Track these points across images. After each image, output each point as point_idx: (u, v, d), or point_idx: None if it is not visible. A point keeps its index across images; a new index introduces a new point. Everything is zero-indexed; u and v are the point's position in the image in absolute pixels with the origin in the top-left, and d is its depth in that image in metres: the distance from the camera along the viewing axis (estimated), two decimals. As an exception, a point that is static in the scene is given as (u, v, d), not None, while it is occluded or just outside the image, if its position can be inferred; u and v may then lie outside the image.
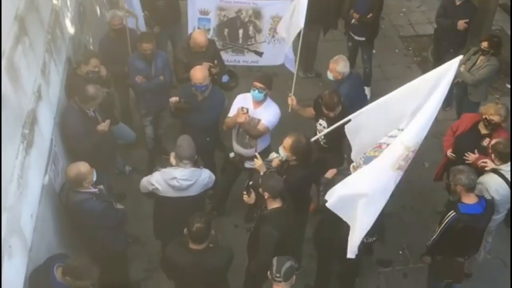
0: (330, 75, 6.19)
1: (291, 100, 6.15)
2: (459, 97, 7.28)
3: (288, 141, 5.01)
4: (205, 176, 5.04)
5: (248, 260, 5.18)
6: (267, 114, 5.67)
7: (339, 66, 6.07)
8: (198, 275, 4.41)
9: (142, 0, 7.25)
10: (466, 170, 4.78)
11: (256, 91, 5.59)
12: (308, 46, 7.76)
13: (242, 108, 5.57)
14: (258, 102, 5.68)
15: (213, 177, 5.19)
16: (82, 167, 4.68)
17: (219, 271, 4.52)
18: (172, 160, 5.00)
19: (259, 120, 5.67)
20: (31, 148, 4.35)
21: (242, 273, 5.31)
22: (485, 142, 5.53)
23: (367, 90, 7.74)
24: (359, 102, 5.69)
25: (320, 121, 5.80)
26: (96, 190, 4.79)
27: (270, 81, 5.69)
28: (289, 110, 6.20)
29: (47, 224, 4.59)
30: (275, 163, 5.27)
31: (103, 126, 5.45)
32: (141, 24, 7.25)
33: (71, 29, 6.21)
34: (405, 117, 4.40)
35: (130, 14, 6.86)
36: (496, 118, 5.46)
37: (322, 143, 5.79)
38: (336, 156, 5.69)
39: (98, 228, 4.85)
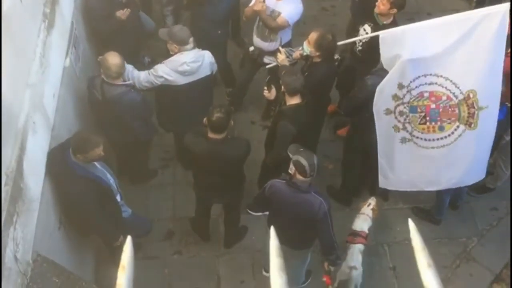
0: None
1: None
2: (492, 4, 6.93)
3: (313, 35, 4.87)
4: (208, 55, 5.04)
5: (265, 154, 5.27)
6: (289, 8, 5.46)
7: None
8: (216, 164, 4.51)
9: None
10: None
11: None
12: None
13: None
14: None
15: (215, 62, 5.16)
16: (119, 57, 4.58)
17: (236, 161, 4.60)
18: (173, 48, 4.92)
19: (279, 13, 5.48)
20: (52, 28, 4.31)
21: (257, 168, 5.45)
22: None
23: None
24: None
25: (366, 26, 5.36)
26: (131, 81, 4.77)
27: None
28: None
29: (68, 106, 4.65)
30: (295, 54, 5.18)
31: (122, 13, 5.30)
32: None
33: None
34: (449, 65, 4.27)
35: None
36: None
37: (357, 50, 5.52)
38: (368, 68, 5.20)
39: (135, 119, 4.88)
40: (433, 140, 4.59)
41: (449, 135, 4.53)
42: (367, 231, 5.03)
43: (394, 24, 5.13)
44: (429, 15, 7.02)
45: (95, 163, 4.22)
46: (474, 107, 4.38)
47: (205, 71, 5.01)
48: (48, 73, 4.14)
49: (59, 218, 4.24)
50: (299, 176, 4.08)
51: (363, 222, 5.07)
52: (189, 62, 4.85)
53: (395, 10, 5.12)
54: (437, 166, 4.70)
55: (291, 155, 4.16)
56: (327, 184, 5.81)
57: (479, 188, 5.68)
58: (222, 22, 5.79)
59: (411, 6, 7.63)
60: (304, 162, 4.03)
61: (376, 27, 5.17)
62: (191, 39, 4.90)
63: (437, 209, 5.58)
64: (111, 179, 4.40)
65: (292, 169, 4.10)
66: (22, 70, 3.73)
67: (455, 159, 4.63)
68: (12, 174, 3.34)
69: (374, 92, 4.53)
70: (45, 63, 4.08)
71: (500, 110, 4.69)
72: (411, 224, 2.53)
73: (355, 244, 4.97)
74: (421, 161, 4.71)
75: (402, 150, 4.71)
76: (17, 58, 3.63)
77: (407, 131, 4.62)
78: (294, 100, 4.74)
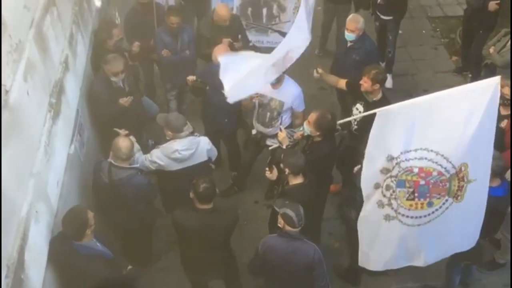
0: (351, 36, 6.08)
1: (316, 69, 6.03)
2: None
3: (313, 116, 4.99)
4: (205, 142, 5.12)
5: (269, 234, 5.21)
6: (285, 95, 5.63)
7: (360, 23, 6.06)
8: (206, 235, 4.53)
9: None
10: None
11: None
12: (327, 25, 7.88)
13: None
14: (274, 84, 5.62)
15: (214, 148, 5.24)
16: (129, 140, 4.73)
17: (225, 231, 4.64)
18: (168, 134, 5.05)
19: (280, 101, 5.64)
20: (58, 117, 4.44)
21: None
22: (502, 124, 5.37)
23: (389, 78, 7.59)
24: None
25: (358, 105, 5.59)
26: (138, 165, 4.86)
27: None
28: (314, 75, 6.08)
29: (72, 192, 4.69)
30: (296, 135, 5.27)
31: (124, 101, 5.46)
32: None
33: (98, 2, 6.25)
34: (441, 139, 4.24)
35: None
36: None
37: (353, 129, 5.68)
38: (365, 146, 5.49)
39: (140, 203, 4.93)
40: (420, 217, 4.39)
41: (437, 209, 4.37)
42: None
43: (383, 99, 5.37)
44: (426, 91, 7.13)
45: (97, 243, 4.25)
46: (464, 180, 4.28)
47: (200, 158, 5.08)
48: (53, 161, 4.21)
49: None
50: (288, 228, 4.27)
51: None
52: (181, 150, 4.95)
53: (377, 86, 5.37)
54: (421, 241, 4.52)
55: (277, 209, 4.36)
56: (333, 263, 5.70)
57: (489, 264, 5.54)
58: (229, 111, 5.85)
59: (408, 83, 7.89)
60: (291, 213, 4.22)
61: (367, 104, 5.39)
62: (186, 127, 5.01)
63: (448, 287, 5.43)
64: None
65: (281, 222, 4.29)
66: (26, 160, 3.80)
67: (439, 232, 4.46)
68: (13, 265, 3.31)
69: None
70: (49, 151, 4.16)
71: (501, 186, 4.68)
72: None
73: None
74: (404, 238, 4.51)
75: (385, 228, 4.49)
76: (22, 148, 3.71)
77: (392, 208, 4.40)
78: (297, 180, 4.77)
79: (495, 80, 4.05)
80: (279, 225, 4.32)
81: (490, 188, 4.65)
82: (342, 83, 5.87)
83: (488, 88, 4.05)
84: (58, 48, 4.70)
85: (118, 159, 4.70)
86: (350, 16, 6.21)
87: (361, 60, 5.95)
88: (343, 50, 6.32)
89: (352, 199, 4.89)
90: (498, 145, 4.68)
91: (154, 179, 5.29)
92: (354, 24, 6.06)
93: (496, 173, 4.65)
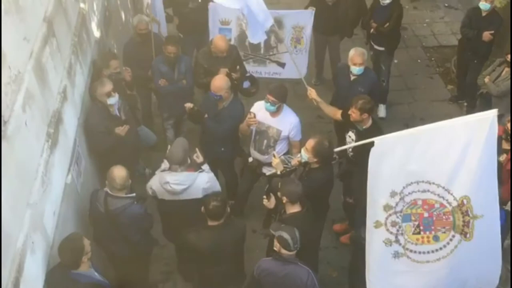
0: (359, 69, 6.18)
1: (310, 93, 6.13)
2: (483, 108, 7.20)
3: (310, 142, 5.03)
4: (203, 179, 5.01)
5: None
6: (283, 124, 5.69)
7: (365, 56, 6.23)
8: (220, 250, 4.62)
9: (165, 4, 7.35)
10: None
11: (269, 103, 5.58)
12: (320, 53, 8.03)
13: (250, 112, 5.63)
14: (273, 112, 5.69)
15: (216, 183, 5.18)
16: (124, 170, 4.71)
17: (236, 243, 4.76)
18: (166, 163, 5.06)
19: (278, 130, 5.69)
20: (55, 147, 4.43)
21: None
22: (501, 158, 5.38)
23: (382, 108, 7.69)
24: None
25: (350, 132, 5.72)
26: (134, 194, 4.84)
27: (284, 93, 5.64)
28: (308, 94, 6.17)
29: (68, 222, 4.65)
30: (294, 162, 5.29)
31: (121, 130, 5.48)
32: (163, 30, 7.33)
33: (96, 33, 6.32)
34: (441, 172, 4.27)
35: (153, 21, 6.95)
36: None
37: (350, 155, 5.78)
38: (363, 171, 5.53)
39: (136, 232, 4.90)
40: (428, 252, 4.38)
41: (444, 246, 4.35)
42: None
43: (374, 126, 5.52)
44: (422, 120, 7.25)
45: (95, 272, 4.23)
46: (468, 215, 4.27)
47: (193, 195, 4.99)
48: (50, 191, 4.20)
49: None
50: (284, 251, 4.31)
51: None
52: (172, 183, 4.94)
53: (366, 115, 5.46)
54: (434, 282, 4.47)
55: (273, 232, 4.40)
56: (332, 293, 5.65)
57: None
58: (225, 140, 5.89)
59: (405, 112, 7.95)
60: (286, 236, 4.26)
61: (359, 132, 5.53)
62: (183, 162, 4.97)
63: None
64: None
65: (276, 245, 4.33)
66: (23, 190, 3.78)
67: (454, 273, 4.43)
68: (8, 297, 3.27)
69: None
70: (46, 181, 4.15)
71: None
72: None
73: None
74: (416, 278, 4.46)
75: (395, 266, 4.46)
76: (19, 178, 3.70)
77: (400, 244, 4.39)
78: (294, 208, 4.77)
79: (493, 113, 4.08)
80: (275, 248, 4.36)
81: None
82: (339, 114, 5.94)
83: (485, 121, 4.08)
84: (56, 79, 4.73)
85: (114, 188, 4.70)
86: (354, 50, 6.25)
87: (366, 91, 6.00)
88: (347, 83, 6.34)
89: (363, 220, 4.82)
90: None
91: (151, 208, 5.26)
92: (360, 58, 6.16)
93: None
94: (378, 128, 5.51)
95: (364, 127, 5.52)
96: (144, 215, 4.89)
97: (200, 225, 4.64)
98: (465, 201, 4.26)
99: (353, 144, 5.45)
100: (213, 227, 4.59)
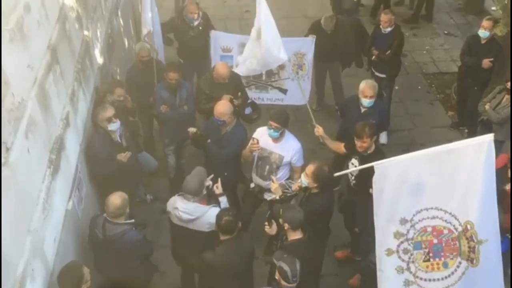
0: (370, 102, 6.18)
1: (317, 130, 6.13)
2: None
3: (310, 168, 5.04)
4: (213, 214, 4.80)
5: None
6: (285, 150, 5.71)
7: (376, 88, 6.24)
8: (236, 263, 4.67)
9: (166, 29, 7.46)
10: None
11: (272, 130, 5.61)
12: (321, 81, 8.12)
13: (253, 138, 5.65)
14: (276, 138, 5.71)
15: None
16: (123, 196, 4.71)
17: (248, 256, 4.83)
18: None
19: (280, 155, 5.71)
20: (57, 173, 4.44)
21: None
22: (507, 187, 5.40)
23: (383, 134, 7.70)
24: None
25: (353, 160, 5.67)
26: (133, 220, 4.82)
27: (285, 118, 5.67)
28: (321, 140, 6.21)
29: (69, 249, 4.63)
30: (294, 187, 5.29)
31: (122, 156, 5.50)
32: (161, 57, 7.41)
33: (100, 60, 6.39)
34: (447, 197, 4.29)
35: (151, 49, 7.03)
36: None
37: (352, 184, 5.73)
38: (364, 201, 5.30)
39: (134, 259, 4.87)
40: (438, 280, 4.39)
41: (452, 273, 4.37)
42: None
43: (377, 151, 5.49)
44: (422, 145, 7.23)
45: None
46: (473, 240, 4.28)
47: (199, 227, 4.95)
48: (51, 218, 4.19)
49: None
50: (283, 283, 4.29)
51: None
52: (180, 210, 4.93)
53: (374, 138, 5.51)
54: None
55: (275, 261, 4.39)
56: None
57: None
58: (228, 164, 5.89)
59: (405, 137, 7.97)
60: (286, 268, 4.25)
61: (362, 158, 5.45)
62: (198, 193, 4.94)
63: None
64: None
65: (277, 275, 4.32)
66: (24, 217, 3.78)
67: None
68: (7, 326, 3.24)
69: None
70: (48, 208, 4.14)
71: (502, 242, 4.64)
72: None
73: None
74: None
75: None
76: (20, 205, 3.70)
77: (411, 272, 4.41)
78: (296, 235, 4.75)
79: (489, 137, 4.10)
80: (275, 277, 4.34)
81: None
82: (343, 147, 5.90)
83: (483, 145, 4.10)
84: (59, 105, 4.76)
85: (110, 215, 4.70)
86: (365, 83, 6.26)
87: (377, 123, 5.94)
88: (355, 116, 6.24)
89: (370, 247, 4.82)
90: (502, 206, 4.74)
91: (150, 235, 5.23)
92: (371, 91, 6.19)
93: None
94: (381, 153, 5.49)
95: (368, 152, 5.49)
96: (142, 242, 4.85)
97: (212, 244, 4.68)
98: (469, 227, 4.27)
99: (353, 168, 5.44)
100: (227, 240, 4.63)
